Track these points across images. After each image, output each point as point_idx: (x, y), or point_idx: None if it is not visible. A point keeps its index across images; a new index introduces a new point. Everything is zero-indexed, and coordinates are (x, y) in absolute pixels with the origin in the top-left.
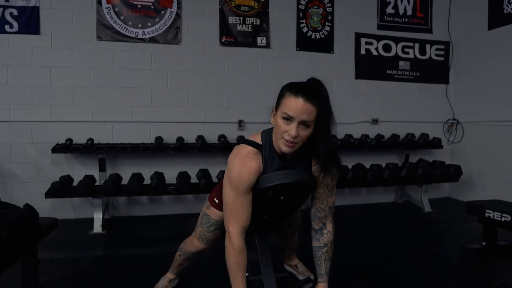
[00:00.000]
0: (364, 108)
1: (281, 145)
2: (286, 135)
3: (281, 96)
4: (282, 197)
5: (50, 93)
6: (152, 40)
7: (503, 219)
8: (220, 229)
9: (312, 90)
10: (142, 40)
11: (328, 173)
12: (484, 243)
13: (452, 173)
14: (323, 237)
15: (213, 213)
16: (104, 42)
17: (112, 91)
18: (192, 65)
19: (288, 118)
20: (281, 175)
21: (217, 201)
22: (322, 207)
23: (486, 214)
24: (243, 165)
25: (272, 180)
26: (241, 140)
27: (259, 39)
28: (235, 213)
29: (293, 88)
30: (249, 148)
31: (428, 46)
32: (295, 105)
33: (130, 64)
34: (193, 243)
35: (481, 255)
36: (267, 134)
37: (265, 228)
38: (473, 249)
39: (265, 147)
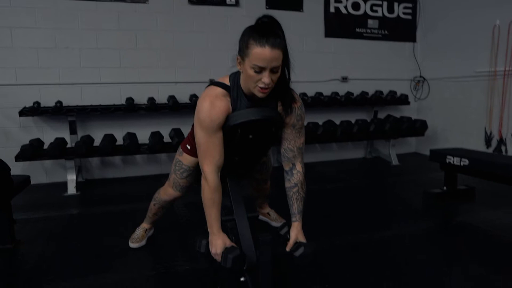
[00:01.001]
0: (334, 66)
1: (256, 92)
2: (260, 83)
3: (245, 46)
4: (250, 136)
5: (13, 55)
6: None
7: (462, 163)
8: (193, 176)
9: (273, 33)
10: None
11: (292, 112)
12: (445, 188)
13: (418, 127)
14: (293, 177)
15: (186, 159)
16: (68, 1)
17: (79, 52)
18: (160, 24)
19: (259, 68)
20: (249, 112)
21: (189, 147)
22: (290, 147)
23: (447, 160)
24: (212, 106)
25: (241, 117)
26: (210, 82)
27: None
28: (208, 153)
29: (257, 37)
30: (218, 90)
31: (396, 4)
32: (264, 55)
33: (96, 24)
34: (167, 191)
35: (442, 199)
36: (235, 76)
37: (236, 172)
38: (435, 194)
39: (233, 88)
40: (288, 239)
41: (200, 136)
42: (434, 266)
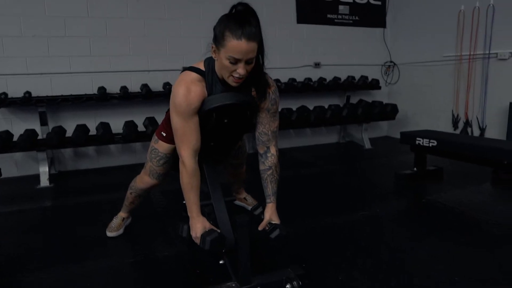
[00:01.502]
0: (307, 52)
1: (230, 82)
2: (235, 73)
3: (221, 36)
4: (226, 120)
5: None
6: None
7: (430, 144)
8: (169, 163)
9: (248, 24)
10: None
11: (265, 97)
12: (415, 169)
13: (389, 111)
14: (267, 160)
15: (162, 146)
16: None
17: (47, 40)
18: (131, 11)
19: (234, 61)
20: (224, 96)
21: (164, 134)
22: (265, 131)
23: (417, 142)
24: (187, 90)
25: (216, 101)
26: (185, 68)
27: None
28: (185, 137)
29: (233, 29)
30: (193, 75)
31: None
32: (239, 48)
33: (64, 11)
34: (143, 180)
35: (413, 179)
36: (210, 61)
37: (212, 157)
38: (406, 175)
39: (208, 74)
40: (262, 219)
41: (176, 122)
42: (405, 242)
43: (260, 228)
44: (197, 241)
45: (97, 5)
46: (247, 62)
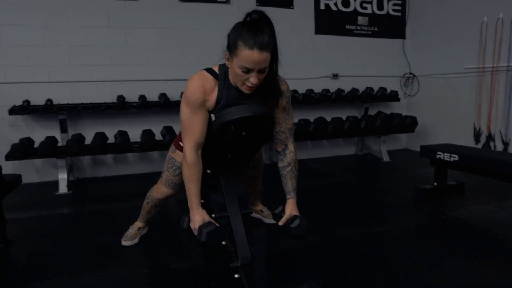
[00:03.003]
0: (325, 64)
1: (243, 89)
2: (248, 82)
3: (234, 46)
4: (244, 132)
5: (1, 53)
6: None
7: (452, 159)
8: None
9: (262, 33)
10: None
11: (277, 101)
12: (435, 183)
13: (408, 124)
14: (286, 157)
15: (179, 156)
16: None
17: (68, 49)
18: (151, 21)
19: (246, 71)
20: (242, 109)
21: (182, 145)
22: (282, 130)
23: (437, 156)
24: (199, 84)
25: (234, 114)
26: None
27: None
28: (190, 130)
29: (246, 38)
30: (207, 73)
31: (385, 1)
32: (252, 58)
33: (86, 21)
34: (159, 189)
35: (433, 194)
36: (223, 67)
37: (229, 169)
38: (426, 189)
39: (221, 77)
40: (283, 217)
41: (184, 113)
42: (424, 260)
43: (281, 223)
44: (196, 232)
45: (118, 15)
46: (260, 72)
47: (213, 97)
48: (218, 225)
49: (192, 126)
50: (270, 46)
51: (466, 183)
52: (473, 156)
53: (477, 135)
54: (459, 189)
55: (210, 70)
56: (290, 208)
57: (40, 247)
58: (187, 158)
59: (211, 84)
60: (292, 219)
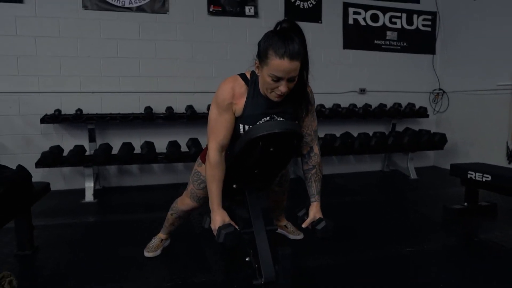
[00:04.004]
0: (352, 78)
1: (272, 97)
2: (277, 90)
3: (264, 54)
4: (271, 149)
5: (36, 63)
6: (139, 9)
7: (484, 179)
8: None
9: (292, 42)
10: (129, 9)
11: (307, 112)
12: (466, 204)
13: (437, 141)
14: (311, 160)
15: (204, 170)
16: (90, 11)
17: (100, 61)
18: (180, 34)
19: (276, 79)
20: (272, 125)
21: None
22: (308, 133)
23: (468, 175)
24: (229, 86)
25: (262, 130)
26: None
27: (247, 8)
28: (215, 130)
29: (276, 48)
30: (240, 78)
31: (415, 16)
32: (282, 67)
33: (117, 33)
34: (184, 202)
35: (463, 215)
36: (255, 75)
37: (255, 185)
38: (456, 209)
39: (251, 85)
40: (306, 219)
41: (213, 113)
42: (455, 284)
43: (304, 225)
44: (215, 233)
45: (148, 28)
46: (289, 80)
47: (241, 102)
48: (237, 227)
49: (217, 127)
50: (301, 55)
51: (498, 204)
52: (507, 177)
53: (510, 155)
54: (491, 211)
55: (243, 75)
56: (314, 211)
57: (66, 255)
58: (210, 158)
59: (241, 89)
60: (317, 221)
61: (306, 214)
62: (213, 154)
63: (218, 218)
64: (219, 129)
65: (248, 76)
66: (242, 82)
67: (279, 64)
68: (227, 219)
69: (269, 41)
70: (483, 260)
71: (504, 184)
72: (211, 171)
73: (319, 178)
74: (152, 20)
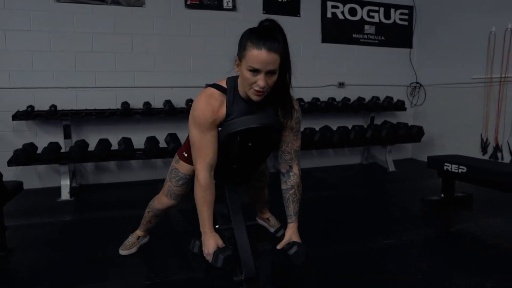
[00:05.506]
0: (331, 72)
1: (251, 95)
2: (255, 85)
3: (243, 47)
4: (250, 143)
5: (6, 58)
6: (115, 2)
7: (459, 170)
8: (189, 184)
9: (272, 36)
10: (104, 2)
11: (291, 116)
12: (442, 195)
13: (415, 133)
14: (290, 180)
15: (182, 166)
16: (63, 4)
17: (74, 55)
18: (157, 28)
19: (254, 70)
20: (249, 119)
21: (186, 155)
22: (288, 150)
23: (445, 167)
24: (206, 104)
25: (240, 124)
26: (207, 85)
27: (225, 1)
28: (202, 151)
29: (254, 39)
30: (214, 90)
31: (392, 10)
32: (260, 57)
33: (92, 27)
34: (161, 200)
35: (440, 206)
36: (232, 80)
37: (234, 180)
38: (433, 201)
39: (230, 91)
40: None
41: (194, 134)
42: (432, 275)
43: (279, 247)
44: (209, 258)
45: (123, 22)
46: (268, 74)
47: (222, 113)
48: (232, 250)
49: (204, 147)
50: (280, 49)
51: (474, 195)
52: (482, 168)
53: (484, 146)
54: (467, 201)
55: (216, 86)
56: (290, 233)
57: (41, 255)
58: (200, 179)
59: (218, 100)
60: (291, 245)
61: (284, 235)
62: (203, 175)
63: (212, 242)
64: (206, 149)
65: (224, 84)
66: (217, 93)
67: (257, 54)
68: (220, 242)
69: (249, 35)
70: (460, 250)
71: (479, 176)
72: (201, 193)
73: (298, 198)
74: (128, 14)
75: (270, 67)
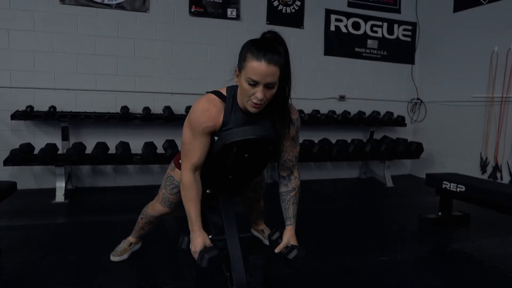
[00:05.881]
0: (332, 85)
1: (249, 107)
2: (253, 97)
3: (243, 58)
4: (246, 155)
5: (8, 57)
6: (119, 6)
7: (458, 189)
8: None
9: (272, 49)
10: (109, 6)
11: (288, 129)
12: (440, 213)
13: (414, 150)
14: (291, 183)
15: (178, 174)
16: (68, 6)
17: (76, 57)
18: (160, 34)
19: (253, 82)
20: (246, 130)
21: (181, 163)
22: (290, 158)
23: (443, 185)
24: (204, 109)
25: (237, 135)
26: (208, 92)
27: (229, 10)
28: (189, 153)
29: (255, 51)
30: (214, 97)
31: (396, 26)
32: (259, 69)
33: (95, 30)
34: (155, 207)
35: (437, 224)
36: (232, 89)
37: (229, 190)
38: (430, 219)
39: (229, 100)
40: (279, 243)
41: (186, 136)
42: None
43: (277, 250)
44: (195, 256)
45: (127, 26)
46: (267, 87)
47: (219, 120)
48: (218, 250)
49: (192, 150)
50: (280, 62)
51: (472, 214)
52: (481, 188)
53: (483, 165)
54: (464, 221)
55: (217, 93)
56: (288, 236)
57: (31, 258)
58: (183, 178)
59: (218, 107)
60: (290, 249)
61: (280, 238)
62: (186, 175)
63: (200, 240)
64: (194, 152)
65: (224, 92)
66: (217, 100)
67: (256, 66)
68: (208, 242)
69: (249, 46)
70: (455, 270)
71: (477, 195)
72: (184, 192)
73: (297, 201)
74: (132, 18)
75: (269, 80)
